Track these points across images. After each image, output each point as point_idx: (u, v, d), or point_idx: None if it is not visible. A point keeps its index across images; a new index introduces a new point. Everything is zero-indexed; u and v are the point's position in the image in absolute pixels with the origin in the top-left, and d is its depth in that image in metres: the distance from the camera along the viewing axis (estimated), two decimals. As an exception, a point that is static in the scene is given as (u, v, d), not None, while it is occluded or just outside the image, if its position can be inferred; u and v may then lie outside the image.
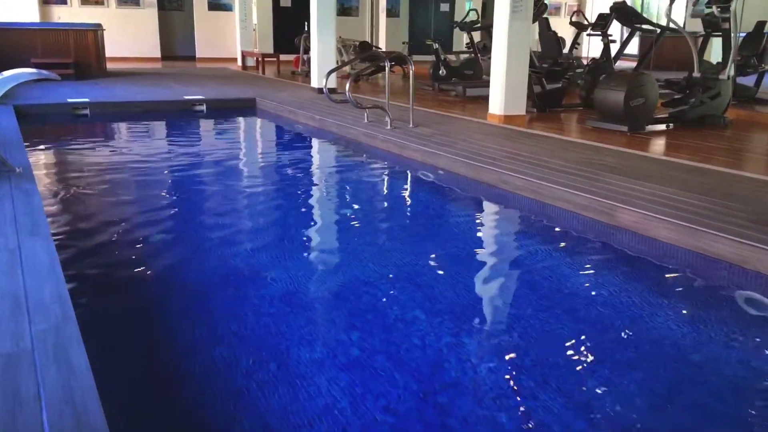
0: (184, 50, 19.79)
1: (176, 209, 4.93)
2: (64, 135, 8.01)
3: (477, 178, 5.35)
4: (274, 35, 18.42)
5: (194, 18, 18.91)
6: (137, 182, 5.76)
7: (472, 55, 12.11)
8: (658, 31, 9.84)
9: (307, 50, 14.22)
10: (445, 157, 5.75)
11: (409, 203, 5.39)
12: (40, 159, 6.47)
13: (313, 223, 4.77)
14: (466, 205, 5.33)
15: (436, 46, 11.63)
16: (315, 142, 7.91)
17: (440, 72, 11.54)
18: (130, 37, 18.01)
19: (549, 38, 9.19)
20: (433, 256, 3.96)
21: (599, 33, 9.05)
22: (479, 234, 4.69)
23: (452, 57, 13.27)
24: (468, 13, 11.91)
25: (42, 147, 7.08)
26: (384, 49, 16.20)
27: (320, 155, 7.43)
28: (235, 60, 18.83)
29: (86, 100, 8.83)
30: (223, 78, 13.31)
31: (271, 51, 17.55)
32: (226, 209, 4.95)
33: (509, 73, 7.46)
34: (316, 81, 10.52)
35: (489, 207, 5.19)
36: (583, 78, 9.18)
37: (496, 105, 7.66)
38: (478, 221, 4.98)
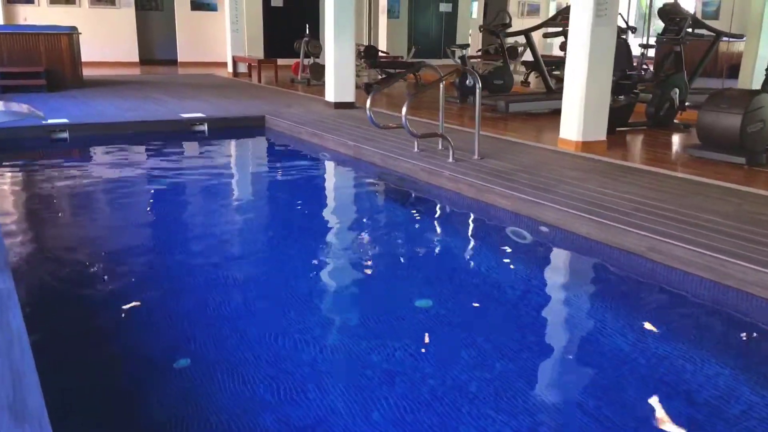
0: (165, 53, 18.17)
1: (190, 303, 3.46)
2: (37, 166, 6.49)
3: (608, 242, 3.99)
4: (264, 38, 16.89)
5: (176, 19, 17.31)
6: (125, 241, 4.30)
7: (501, 62, 10.77)
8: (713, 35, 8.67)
9: (308, 55, 12.77)
10: (551, 208, 4.39)
11: (514, 287, 3.94)
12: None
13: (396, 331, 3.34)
14: (609, 288, 3.80)
15: (463, 52, 10.27)
16: (355, 180, 6.38)
17: (467, 82, 10.18)
18: (105, 39, 16.36)
19: (618, 46, 7.89)
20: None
21: (673, 39, 7.76)
22: (661, 355, 3.24)
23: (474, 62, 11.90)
24: (498, 14, 10.62)
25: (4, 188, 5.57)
26: (385, 53, 14.79)
27: (369, 202, 5.85)
28: (222, 65, 17.28)
29: (65, 120, 7.30)
30: (215, 87, 11.79)
31: (262, 55, 16.04)
32: (263, 302, 3.51)
33: (590, 90, 6.14)
34: (332, 94, 9.09)
35: (645, 293, 3.68)
36: (653, 92, 7.89)
37: (572, 129, 6.32)
38: (640, 322, 3.34)
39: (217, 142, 7.94)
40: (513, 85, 10.71)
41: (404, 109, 5.65)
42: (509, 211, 4.70)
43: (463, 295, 3.58)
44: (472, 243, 4.69)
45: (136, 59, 17.11)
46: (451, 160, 5.66)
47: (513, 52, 14.62)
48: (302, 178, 6.47)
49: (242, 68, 14.46)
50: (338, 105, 9.04)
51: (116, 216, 4.99)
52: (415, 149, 6.10)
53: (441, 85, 6.17)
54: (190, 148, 7.73)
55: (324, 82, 12.40)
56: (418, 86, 12.79)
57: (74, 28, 10.94)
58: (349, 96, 9.14)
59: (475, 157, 5.79)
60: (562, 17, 9.37)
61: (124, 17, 16.76)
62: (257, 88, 11.96)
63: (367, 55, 13.52)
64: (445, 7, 18.69)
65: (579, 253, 4.18)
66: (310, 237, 4.59)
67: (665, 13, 8.23)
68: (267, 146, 8.15)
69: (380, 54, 13.90)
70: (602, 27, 6.04)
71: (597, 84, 6.17)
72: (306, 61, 12.97)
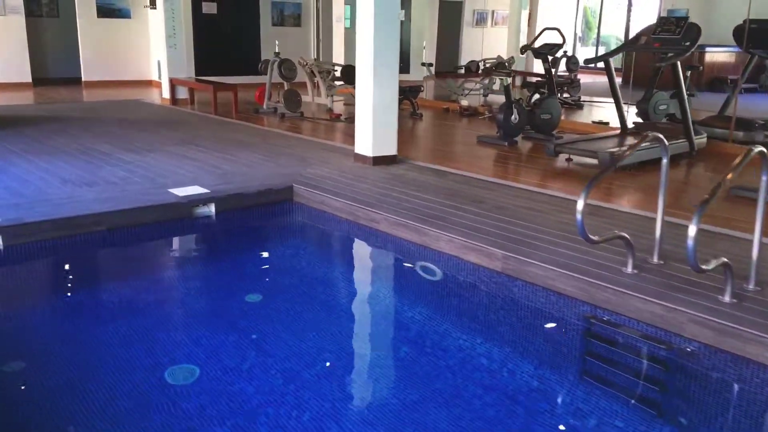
0: (64, 71, 14.72)
1: None
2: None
3: None
4: (195, 53, 13.87)
5: (78, 28, 13.91)
6: None
7: (545, 91, 8.65)
8: None
9: (286, 78, 10.08)
10: None
11: None
12: None
13: None
14: None
15: (508, 81, 8.04)
16: (567, 346, 3.73)
17: (513, 118, 7.98)
18: (-14, 55, 12.84)
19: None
20: None
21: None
22: None
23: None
24: (541, 32, 8.53)
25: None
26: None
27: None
28: (140, 85, 14.15)
29: (-7, 221, 4.40)
30: (165, 125, 8.88)
31: (193, 74, 13.06)
32: None
33: None
34: (368, 145, 6.60)
35: None
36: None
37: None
38: None
39: (237, 237, 5.28)
40: (560, 119, 8.62)
41: (581, 203, 3.34)
42: None
43: None
44: None
45: (29, 79, 13.58)
46: (727, 299, 3.40)
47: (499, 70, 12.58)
48: (431, 346, 3.92)
49: (182, 93, 11.45)
50: (378, 160, 6.56)
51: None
52: (629, 268, 3.78)
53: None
54: (203, 252, 5.02)
55: (301, 113, 9.83)
56: (415, 113, 10.46)
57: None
58: (391, 147, 6.69)
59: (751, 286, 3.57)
60: (647, 37, 7.36)
61: (12, 26, 13.21)
62: (222, 125, 9.15)
63: (347, 76, 11.00)
64: (401, 16, 16.35)
65: None
66: None
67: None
68: (318, 245, 5.51)
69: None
70: None
71: None
72: (289, 85, 10.27)
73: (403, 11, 16.65)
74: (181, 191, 5.35)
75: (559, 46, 8.34)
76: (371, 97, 6.42)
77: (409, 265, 4.69)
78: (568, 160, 7.01)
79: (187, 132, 8.41)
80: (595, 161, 6.61)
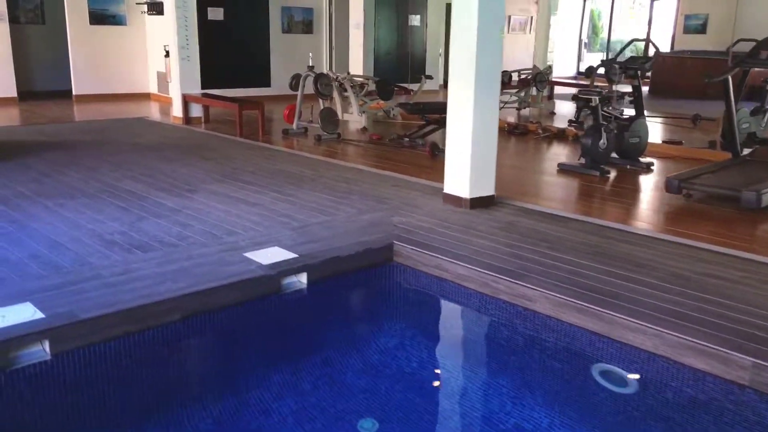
0: (52, 83, 13.35)
1: None
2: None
3: None
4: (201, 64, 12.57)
5: (68, 35, 12.55)
6: None
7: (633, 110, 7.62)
8: None
9: (322, 95, 8.93)
10: None
11: None
12: None
13: None
14: None
15: (596, 101, 6.99)
16: None
17: (601, 143, 6.95)
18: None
19: None
20: None
21: None
22: None
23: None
24: (628, 44, 7.52)
25: None
26: (400, 85, 11.17)
27: None
28: (140, 97, 12.87)
29: (40, 315, 3.17)
30: (191, 152, 7.67)
31: (198, 90, 11.73)
32: None
33: None
34: (465, 184, 5.48)
35: None
36: None
37: None
38: None
39: (336, 322, 4.14)
40: (647, 143, 7.61)
41: None
42: None
43: None
44: None
45: (14, 93, 12.18)
46: None
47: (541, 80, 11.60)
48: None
49: (195, 111, 10.19)
50: (476, 202, 5.45)
51: None
52: None
53: None
54: (296, 347, 3.84)
55: (338, 134, 8.68)
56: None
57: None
58: (489, 186, 5.59)
59: None
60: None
61: (-6, 34, 11.81)
62: (255, 151, 7.96)
63: (381, 90, 9.87)
64: (414, 20, 15.31)
65: None
66: None
67: None
68: (449, 336, 4.31)
69: (393, 87, 10.24)
70: None
71: None
72: (325, 102, 9.12)
73: (419, 15, 15.65)
74: (263, 256, 4.19)
75: (653, 60, 7.35)
76: (470, 127, 5.31)
77: (604, 368, 3.57)
78: (688, 195, 5.98)
79: (222, 162, 7.21)
80: (729, 197, 5.60)
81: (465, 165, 5.41)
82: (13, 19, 12.49)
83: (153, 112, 11.80)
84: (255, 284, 3.90)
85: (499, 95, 5.57)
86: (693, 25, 16.93)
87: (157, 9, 12.33)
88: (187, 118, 10.03)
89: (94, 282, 3.69)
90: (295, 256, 4.22)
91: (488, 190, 5.56)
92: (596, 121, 6.99)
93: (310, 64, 9.14)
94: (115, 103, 12.57)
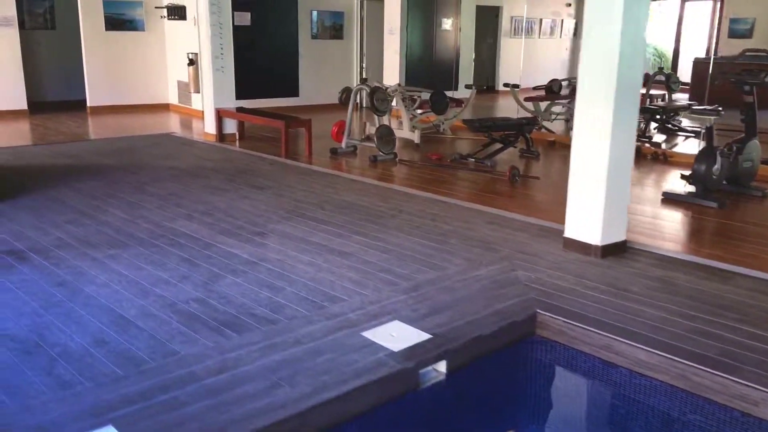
0: (64, 93, 12.42)
1: None
2: None
3: None
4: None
5: (82, 42, 11.62)
6: None
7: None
8: None
9: (378, 112, 8.04)
10: None
11: None
12: None
13: None
14: None
15: (710, 122, 6.11)
16: None
17: (715, 168, 6.08)
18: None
19: None
20: None
21: None
22: None
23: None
24: (743, 52, 6.69)
25: None
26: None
27: None
28: (159, 108, 11.98)
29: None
30: (236, 177, 6.77)
31: (233, 104, 10.76)
32: None
33: None
34: (596, 228, 4.59)
35: None
36: None
37: None
38: None
39: (488, 422, 3.24)
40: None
41: None
42: None
43: None
44: None
45: (24, 106, 11.24)
46: None
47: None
48: None
49: (229, 127, 9.27)
50: (608, 250, 4.57)
51: None
52: None
53: None
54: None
55: (395, 154, 7.79)
56: (531, 152, 8.41)
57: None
58: (621, 230, 4.71)
59: None
60: None
61: (3, 43, 10.87)
62: (309, 177, 7.06)
63: (436, 102, 8.99)
64: (445, 24, 14.43)
65: None
66: None
67: None
68: None
69: (448, 100, 9.33)
70: None
71: None
72: (372, 121, 8.22)
73: (450, 19, 14.76)
74: (386, 337, 3.29)
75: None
76: (606, 156, 4.43)
77: None
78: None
79: (280, 192, 6.31)
80: None
81: (597, 204, 4.53)
82: (20, 25, 11.53)
83: (174, 125, 10.89)
84: (391, 382, 3.01)
85: (637, 117, 4.68)
86: (739, 29, 16.10)
87: (178, 14, 11.43)
88: (221, 135, 9.10)
89: (189, 387, 2.79)
90: (429, 336, 3.33)
91: (620, 234, 4.68)
92: (710, 144, 6.12)
93: (364, 76, 8.23)
94: (133, 115, 11.65)
